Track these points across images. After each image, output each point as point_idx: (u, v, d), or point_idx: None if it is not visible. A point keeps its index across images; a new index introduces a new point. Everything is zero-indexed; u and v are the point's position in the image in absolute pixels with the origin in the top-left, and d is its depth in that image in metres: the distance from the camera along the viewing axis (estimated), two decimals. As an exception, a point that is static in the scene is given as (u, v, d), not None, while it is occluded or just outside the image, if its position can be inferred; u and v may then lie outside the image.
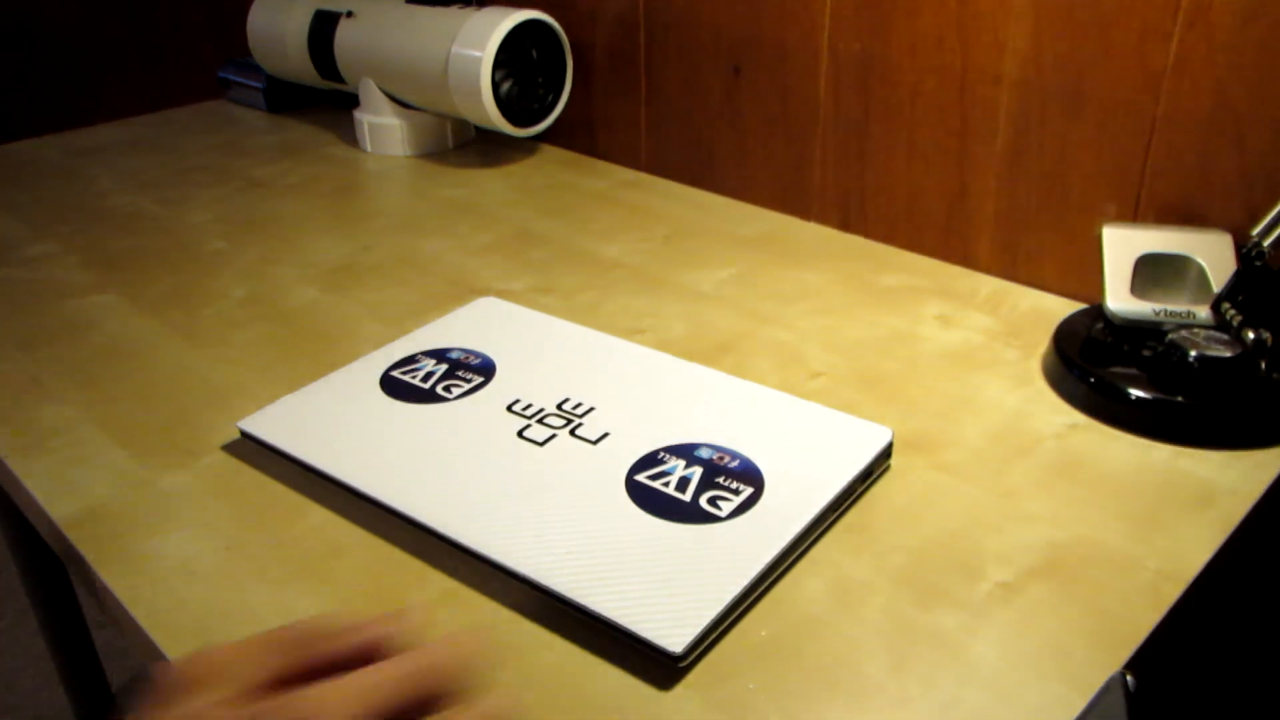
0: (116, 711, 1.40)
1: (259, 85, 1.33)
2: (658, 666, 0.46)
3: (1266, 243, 0.65)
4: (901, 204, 0.88)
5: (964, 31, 0.79)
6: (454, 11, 1.06)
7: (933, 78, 0.82)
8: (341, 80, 1.18)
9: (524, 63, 1.05)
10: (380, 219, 0.98)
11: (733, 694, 0.45)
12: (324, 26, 1.17)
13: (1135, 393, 0.62)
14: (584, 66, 1.11)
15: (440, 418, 0.62)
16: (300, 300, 0.82)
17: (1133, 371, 0.64)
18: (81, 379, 0.71)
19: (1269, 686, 0.69)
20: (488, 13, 1.03)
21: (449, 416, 0.62)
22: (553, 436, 0.59)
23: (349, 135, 1.21)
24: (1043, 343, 0.72)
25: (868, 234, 0.92)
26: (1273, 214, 0.65)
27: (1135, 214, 0.74)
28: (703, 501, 0.53)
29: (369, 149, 1.17)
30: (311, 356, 0.73)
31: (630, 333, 0.76)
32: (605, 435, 0.59)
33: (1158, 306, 0.66)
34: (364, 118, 1.16)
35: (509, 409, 0.62)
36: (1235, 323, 0.63)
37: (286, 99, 1.34)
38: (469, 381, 0.66)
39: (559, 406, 0.62)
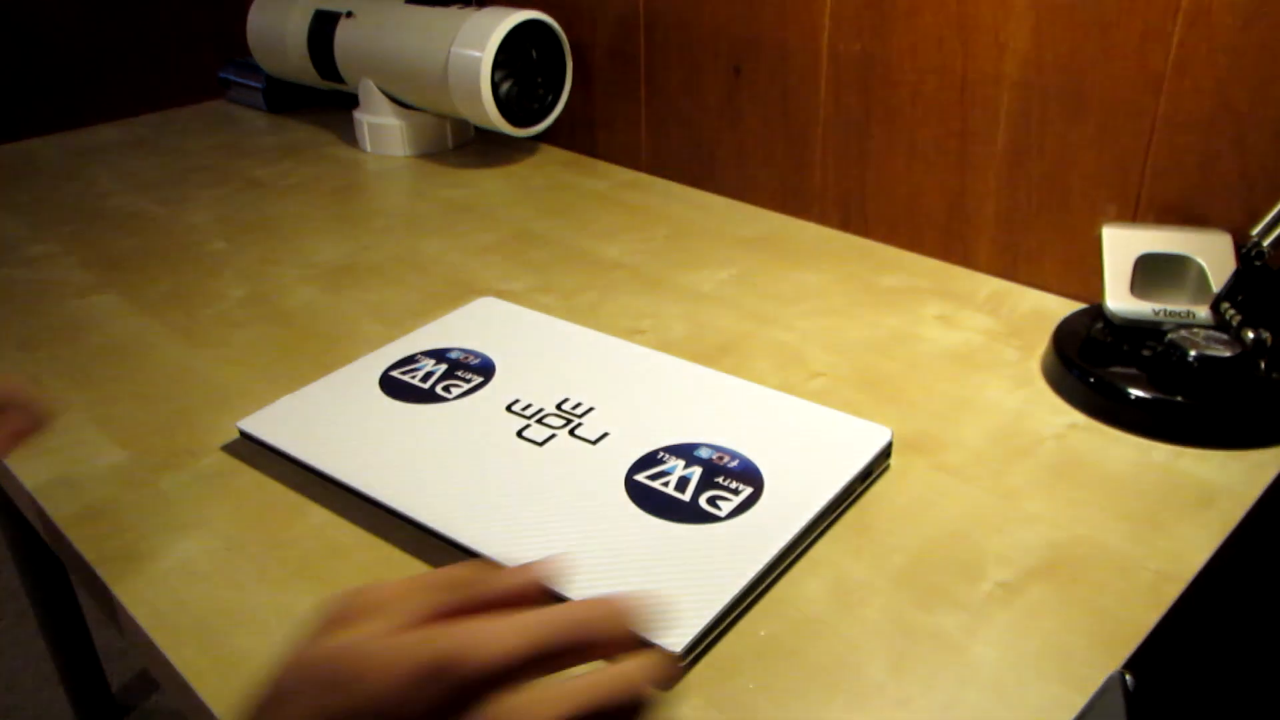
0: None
1: (259, 85, 1.33)
2: (657, 666, 0.46)
3: (1266, 243, 0.65)
4: (901, 204, 0.88)
5: (964, 32, 0.79)
6: (454, 11, 1.06)
7: (933, 78, 0.82)
8: (341, 80, 1.18)
9: (524, 63, 1.05)
10: (380, 219, 0.98)
11: (733, 694, 0.45)
12: (324, 26, 1.17)
13: (1135, 393, 0.62)
14: (584, 66, 1.11)
15: (440, 418, 0.62)
16: (300, 300, 0.82)
17: (1132, 371, 0.64)
18: (81, 379, 0.71)
19: (1269, 686, 0.69)
20: (487, 13, 1.03)
21: (448, 416, 0.62)
22: (552, 436, 0.59)
23: (349, 135, 1.21)
24: (1043, 343, 0.72)
25: (868, 234, 0.92)
26: (1272, 214, 0.65)
27: (1135, 214, 0.74)
28: (702, 501, 0.53)
29: (369, 149, 1.17)
30: (311, 356, 0.73)
31: (630, 333, 0.76)
32: (605, 435, 0.59)
33: (1157, 306, 0.66)
34: (364, 118, 1.16)
35: (508, 409, 0.62)
36: (1235, 323, 0.63)
37: (286, 99, 1.34)
38: (468, 381, 0.66)
39: (558, 406, 0.62)
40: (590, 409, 0.62)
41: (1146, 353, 0.64)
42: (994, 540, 0.54)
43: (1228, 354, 0.61)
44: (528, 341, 0.70)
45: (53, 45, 1.78)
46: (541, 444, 0.59)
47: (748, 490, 0.54)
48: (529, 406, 0.63)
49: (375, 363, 0.68)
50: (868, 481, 0.58)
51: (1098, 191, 0.76)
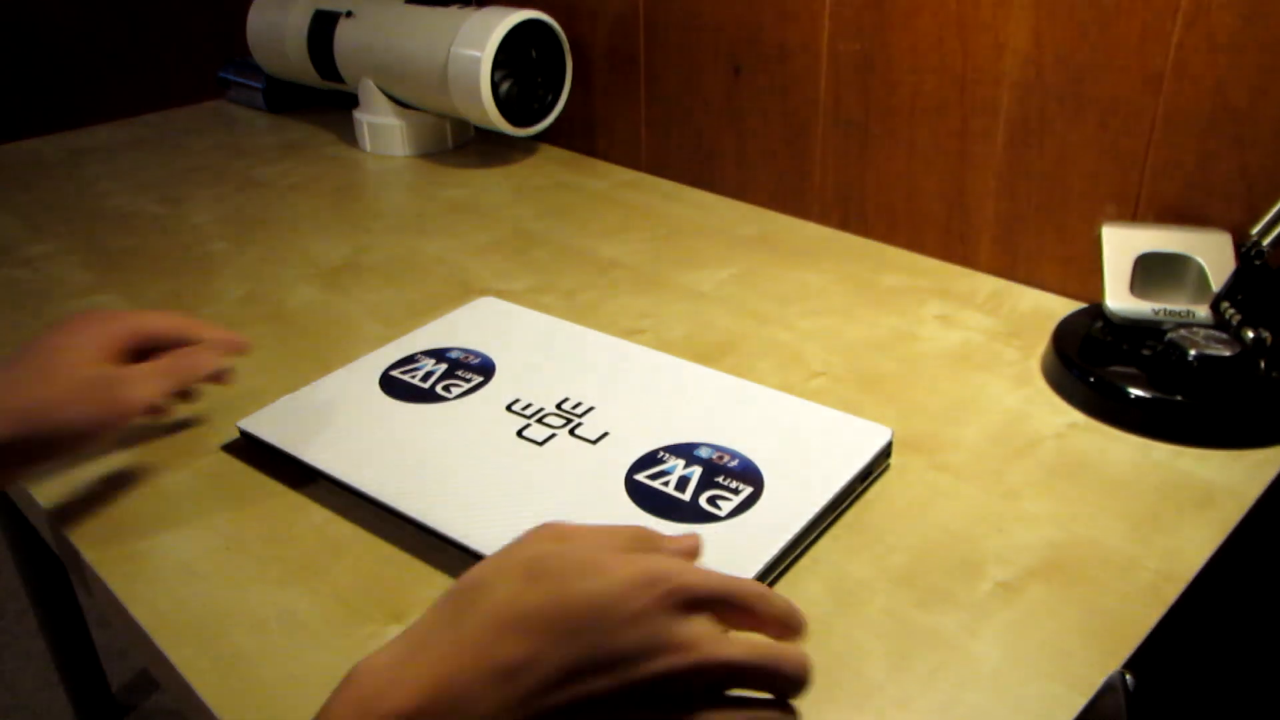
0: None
1: (259, 85, 1.33)
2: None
3: (1266, 242, 0.65)
4: (901, 204, 0.88)
5: (964, 31, 0.79)
6: (454, 11, 1.06)
7: (933, 78, 0.82)
8: (341, 80, 1.18)
9: (524, 63, 1.05)
10: (380, 219, 0.98)
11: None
12: (324, 26, 1.17)
13: (1135, 392, 0.62)
14: (584, 66, 1.11)
15: (440, 417, 0.62)
16: (300, 300, 0.82)
17: (1132, 371, 0.64)
18: (81, 379, 0.71)
19: (1268, 686, 0.69)
20: (487, 13, 1.03)
21: (449, 416, 0.62)
22: (552, 436, 0.59)
23: (349, 135, 1.21)
24: (1042, 343, 0.72)
25: (868, 234, 0.92)
26: (1272, 213, 0.65)
27: (1135, 214, 0.74)
28: (702, 501, 0.53)
29: (369, 149, 1.17)
30: (311, 356, 0.73)
31: (630, 333, 0.76)
32: (605, 435, 0.59)
33: (1157, 306, 0.66)
34: (364, 118, 1.16)
35: (508, 409, 0.62)
36: (1235, 322, 0.63)
37: (286, 99, 1.34)
38: (469, 381, 0.66)
39: (558, 406, 0.62)
40: (590, 409, 0.62)
41: (1146, 352, 0.64)
42: (994, 540, 0.54)
43: (1227, 353, 0.61)
44: (528, 341, 0.70)
45: (53, 45, 1.79)
46: (541, 444, 0.59)
47: (748, 490, 0.54)
48: (529, 406, 0.63)
49: (375, 363, 0.68)
50: (868, 481, 0.58)
51: (1097, 191, 0.76)
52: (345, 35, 1.14)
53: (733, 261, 0.87)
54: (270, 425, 0.62)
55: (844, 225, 0.94)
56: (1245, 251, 0.65)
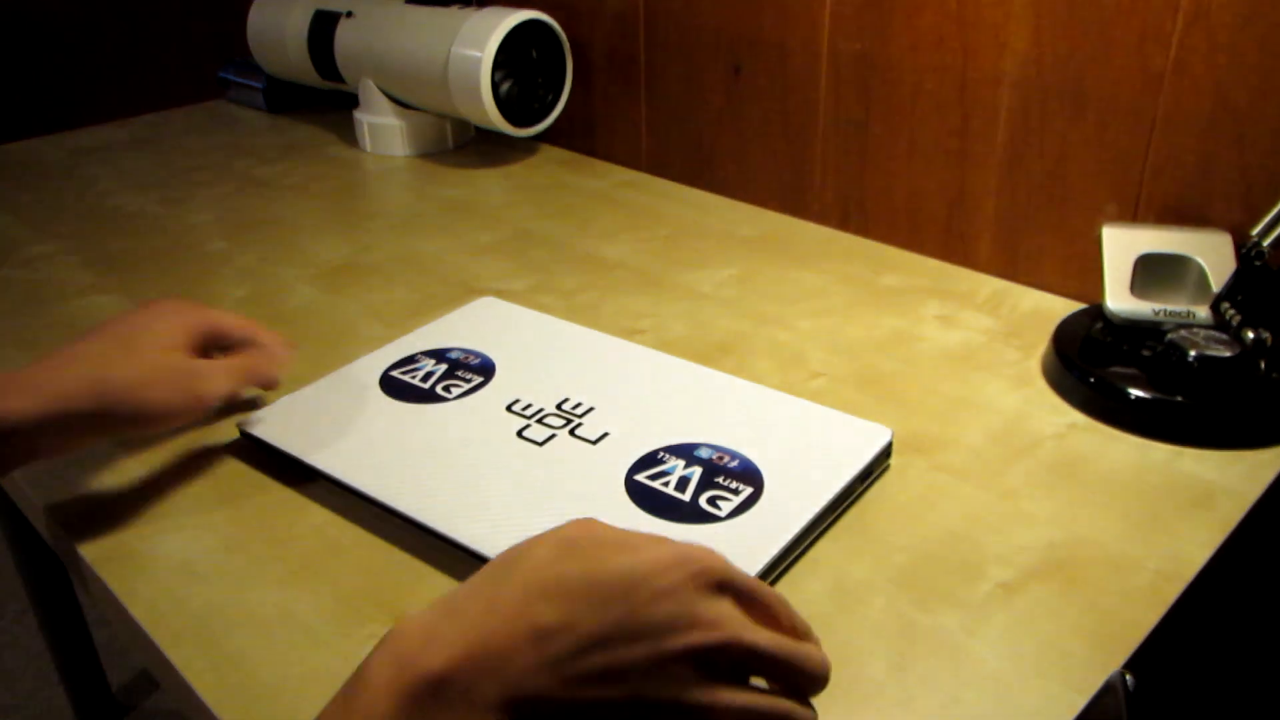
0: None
1: (259, 85, 1.33)
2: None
3: (1266, 242, 0.65)
4: (901, 204, 0.88)
5: (964, 31, 0.79)
6: (454, 11, 1.06)
7: (933, 78, 0.82)
8: (341, 80, 1.18)
9: (524, 63, 1.05)
10: (380, 219, 0.98)
11: (732, 694, 0.45)
12: (324, 26, 1.17)
13: (1135, 392, 0.62)
14: (584, 66, 1.11)
15: (440, 418, 0.62)
16: (300, 300, 0.82)
17: (1132, 371, 0.64)
18: (81, 379, 0.71)
19: (1268, 686, 0.69)
20: (487, 13, 1.03)
21: (449, 416, 0.62)
22: (552, 436, 0.59)
23: (349, 135, 1.21)
24: (1043, 343, 0.72)
25: (868, 234, 0.92)
26: (1272, 214, 0.65)
27: (1135, 214, 0.74)
28: (702, 501, 0.53)
29: (369, 149, 1.17)
30: (311, 357, 0.73)
31: (630, 333, 0.76)
32: (605, 435, 0.59)
33: (1157, 306, 0.66)
34: (364, 118, 1.16)
35: (509, 409, 0.62)
36: (1235, 322, 0.63)
37: (286, 99, 1.34)
38: (469, 381, 0.66)
39: (558, 406, 0.62)
40: (590, 409, 0.62)
41: (1146, 353, 0.64)
42: (994, 540, 0.54)
43: (1228, 354, 0.61)
44: (528, 341, 0.70)
45: (53, 45, 1.79)
46: (541, 444, 0.59)
47: (748, 490, 0.54)
48: (529, 406, 0.63)
49: (375, 363, 0.68)
50: (868, 481, 0.58)
51: (1097, 191, 0.76)
52: (345, 35, 1.14)
53: (733, 261, 0.87)
54: (270, 425, 0.62)
55: (844, 225, 0.94)
56: (1245, 252, 0.65)
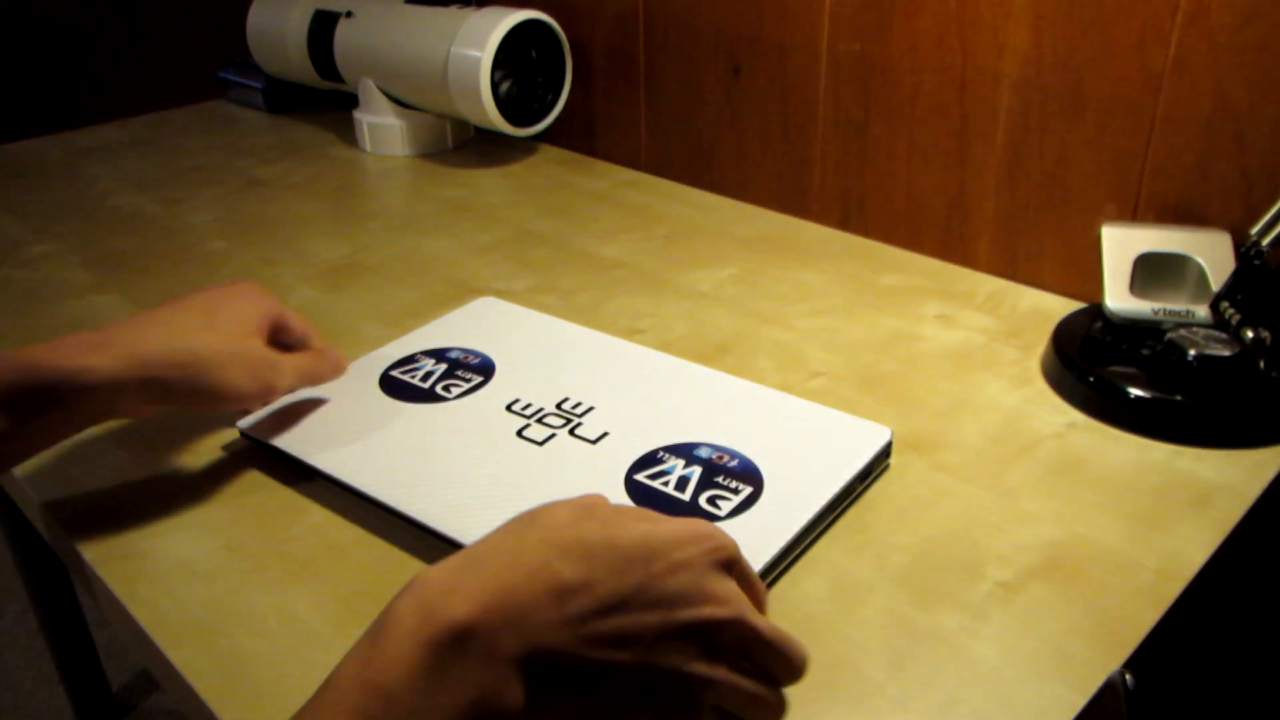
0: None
1: (259, 85, 1.33)
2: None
3: (1265, 242, 0.65)
4: (901, 204, 0.88)
5: (964, 31, 0.79)
6: (454, 11, 1.06)
7: (933, 78, 0.82)
8: (341, 80, 1.18)
9: (524, 63, 1.05)
10: (380, 219, 0.98)
11: (732, 694, 0.45)
12: (324, 26, 1.17)
13: (1134, 392, 0.62)
14: (584, 66, 1.11)
15: (440, 417, 0.62)
16: (300, 300, 0.82)
17: (1132, 371, 0.64)
18: (81, 379, 0.71)
19: (1268, 686, 0.69)
20: (487, 13, 1.03)
21: (448, 416, 0.62)
22: (552, 436, 0.60)
23: (349, 135, 1.21)
24: (1042, 342, 0.72)
25: (868, 234, 0.92)
26: (1272, 213, 0.65)
27: (1135, 214, 0.74)
28: (702, 501, 0.53)
29: (369, 149, 1.17)
30: (311, 356, 0.73)
31: (630, 333, 0.76)
32: (604, 435, 0.59)
33: (1157, 306, 0.66)
34: (364, 118, 1.16)
35: (508, 409, 0.62)
36: (1234, 322, 0.63)
37: (286, 99, 1.34)
38: (468, 381, 0.66)
39: (558, 406, 0.62)
40: (590, 409, 0.62)
41: (1146, 352, 0.64)
42: (994, 540, 0.54)
43: (1227, 353, 0.61)
44: (528, 341, 0.70)
45: (53, 45, 1.79)
46: (541, 444, 0.59)
47: (748, 490, 0.54)
48: (529, 406, 0.63)
49: (375, 363, 0.68)
50: (868, 481, 0.58)
51: (1097, 191, 0.76)
52: (345, 35, 1.14)
53: (733, 261, 0.87)
54: (270, 425, 0.62)
55: (844, 225, 0.94)
56: (1245, 251, 0.65)
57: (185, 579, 0.53)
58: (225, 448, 0.63)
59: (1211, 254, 0.67)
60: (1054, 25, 0.74)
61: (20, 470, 0.62)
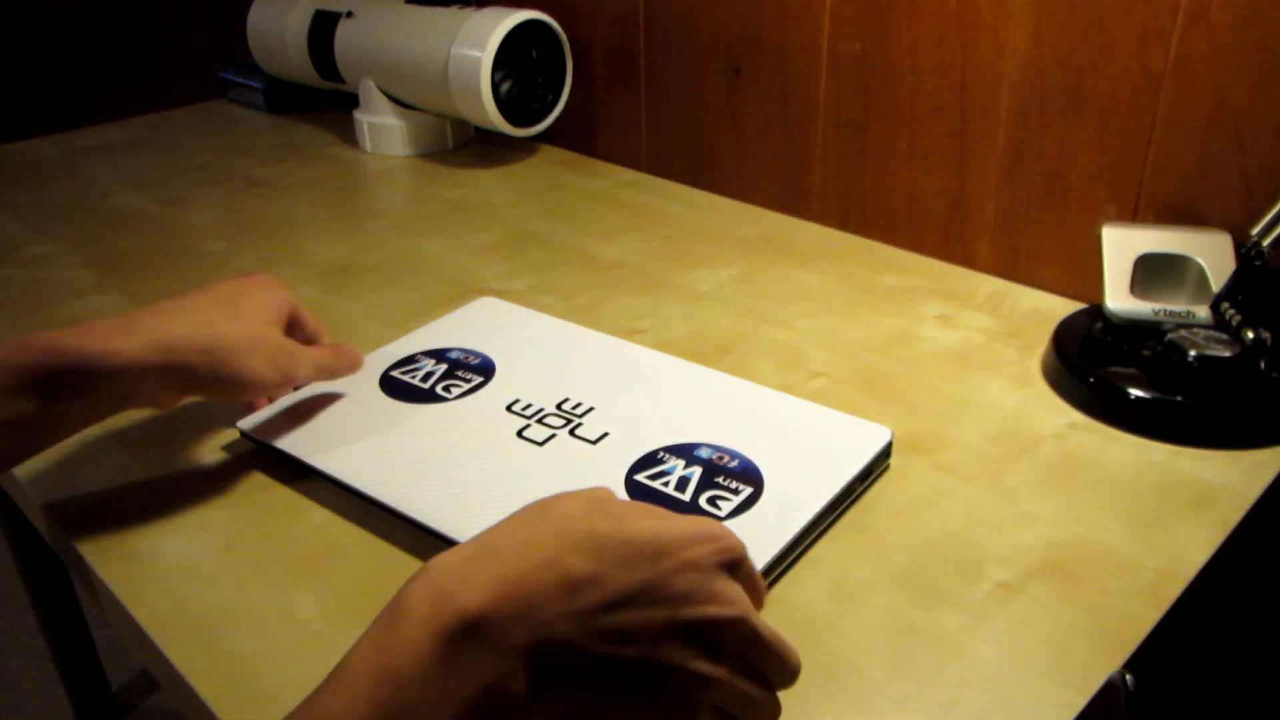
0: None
1: (259, 85, 1.33)
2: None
3: (1266, 242, 0.65)
4: (901, 204, 0.88)
5: (964, 31, 0.79)
6: (454, 11, 1.06)
7: (933, 78, 0.82)
8: (341, 80, 1.18)
9: (524, 63, 1.05)
10: (380, 219, 0.98)
11: (732, 694, 0.45)
12: (324, 26, 1.17)
13: (1135, 392, 0.62)
14: (584, 66, 1.11)
15: (440, 418, 0.62)
16: (300, 300, 0.82)
17: (1132, 371, 0.64)
18: (81, 379, 0.71)
19: (1268, 686, 0.69)
20: (487, 13, 1.03)
21: (448, 416, 0.62)
22: (552, 436, 0.59)
23: (349, 135, 1.21)
24: (1042, 343, 0.72)
25: (868, 234, 0.92)
26: (1272, 214, 0.65)
27: (1135, 214, 0.74)
28: (702, 501, 0.53)
29: (369, 149, 1.17)
30: (311, 356, 0.73)
31: (630, 333, 0.76)
32: (605, 435, 0.59)
33: (1157, 306, 0.66)
34: (364, 118, 1.16)
35: (508, 409, 0.62)
36: (1234, 322, 0.63)
37: (286, 99, 1.34)
38: (468, 381, 0.66)
39: (558, 406, 0.62)
40: (590, 409, 0.62)
41: (1146, 353, 0.64)
42: (994, 540, 0.54)
43: (1227, 354, 0.61)
44: (528, 341, 0.70)
45: (53, 45, 1.79)
46: (541, 444, 0.59)
47: (748, 490, 0.54)
48: (529, 406, 0.63)
49: (375, 363, 0.68)
50: (868, 481, 0.58)
51: (1097, 191, 0.76)
52: (345, 35, 1.14)
53: (733, 261, 0.87)
54: (270, 425, 0.62)
55: (844, 225, 0.94)
56: (1245, 252, 0.65)
57: (185, 579, 0.53)
58: (225, 448, 0.63)
59: (1212, 254, 0.67)
60: (1054, 25, 0.74)
61: (20, 470, 0.62)
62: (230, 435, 0.64)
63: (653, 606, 0.36)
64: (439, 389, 0.65)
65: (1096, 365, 0.65)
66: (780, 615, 0.49)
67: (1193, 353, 0.61)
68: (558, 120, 1.10)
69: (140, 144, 1.22)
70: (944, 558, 0.53)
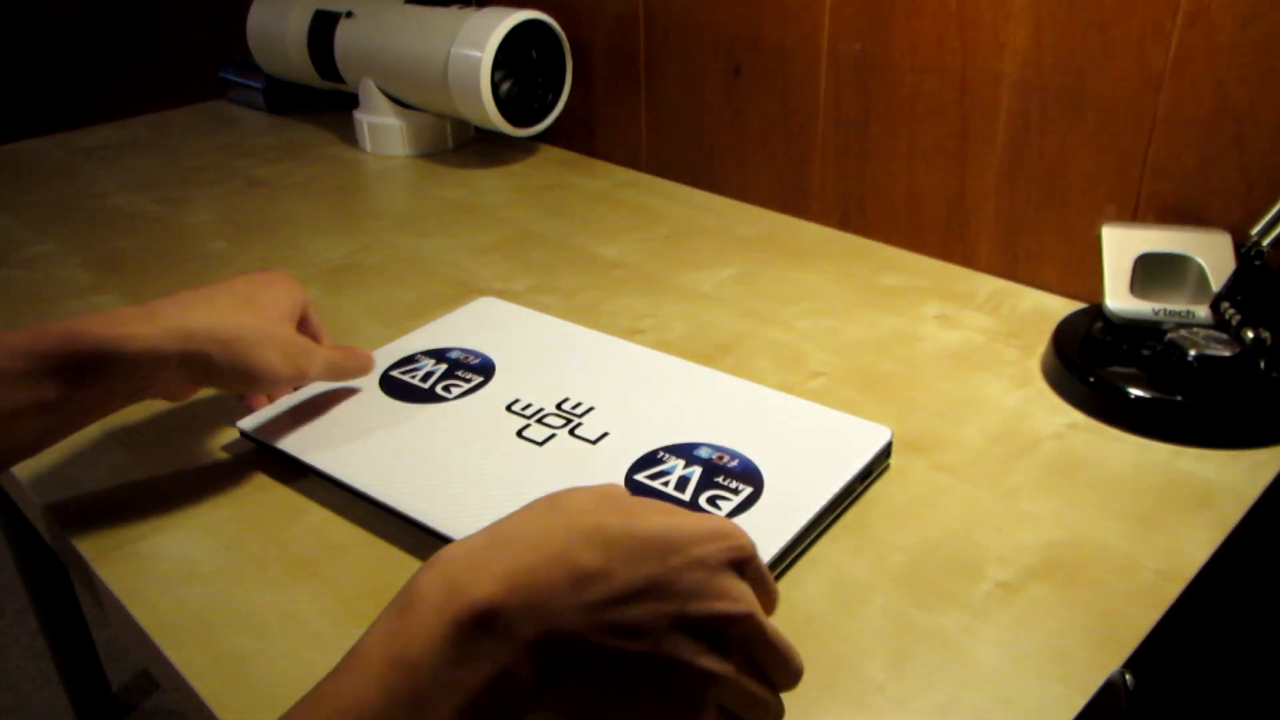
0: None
1: (259, 85, 1.33)
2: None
3: (1266, 242, 0.65)
4: (901, 204, 0.88)
5: (964, 31, 0.79)
6: (454, 11, 1.06)
7: (933, 78, 0.82)
8: (341, 80, 1.18)
9: (524, 63, 1.05)
10: (380, 219, 0.98)
11: (732, 694, 0.45)
12: (324, 26, 1.17)
13: (1135, 392, 0.62)
14: (584, 66, 1.11)
15: (440, 417, 0.62)
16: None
17: (1132, 371, 0.64)
18: (81, 379, 0.71)
19: (1268, 686, 0.69)
20: (487, 13, 1.03)
21: (448, 416, 0.62)
22: (552, 436, 0.60)
23: (349, 135, 1.21)
24: (1042, 343, 0.72)
25: (868, 234, 0.92)
26: (1272, 213, 0.65)
27: (1135, 214, 0.74)
28: (702, 501, 0.53)
29: (369, 149, 1.17)
30: (311, 356, 0.73)
31: (630, 333, 0.76)
32: (604, 435, 0.59)
33: (1157, 306, 0.66)
34: (364, 118, 1.16)
35: (508, 409, 0.62)
36: (1234, 322, 0.63)
37: (286, 99, 1.34)
38: (468, 381, 0.66)
39: (558, 406, 0.62)
40: (590, 409, 0.62)
41: (1146, 352, 0.64)
42: (994, 540, 0.54)
43: (1227, 354, 0.61)
44: (528, 341, 0.70)
45: (53, 45, 1.79)
46: (541, 444, 0.59)
47: (748, 490, 0.54)
48: (529, 406, 0.63)
49: (375, 362, 0.68)
50: (868, 481, 0.58)
51: (1097, 191, 0.76)
52: (345, 35, 1.14)
53: (733, 261, 0.87)
54: (270, 425, 0.62)
55: (844, 225, 0.94)
56: (1245, 251, 0.65)
57: (185, 579, 0.53)
58: (225, 448, 0.63)
59: (1212, 254, 0.67)
60: (1054, 25, 0.74)
61: (20, 470, 0.62)
62: (230, 435, 0.64)
63: (660, 602, 0.36)
64: (439, 389, 0.65)
65: (1096, 365, 0.65)
66: (780, 615, 0.49)
67: (1193, 352, 0.61)
68: (558, 120, 1.10)
69: (140, 144, 1.22)
70: (944, 558, 0.53)
